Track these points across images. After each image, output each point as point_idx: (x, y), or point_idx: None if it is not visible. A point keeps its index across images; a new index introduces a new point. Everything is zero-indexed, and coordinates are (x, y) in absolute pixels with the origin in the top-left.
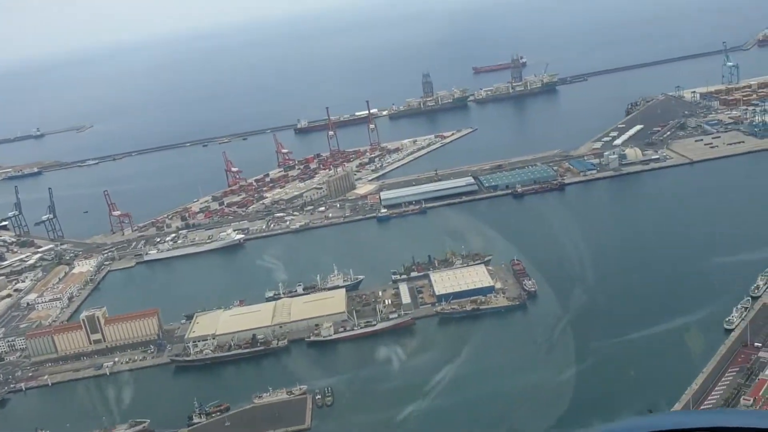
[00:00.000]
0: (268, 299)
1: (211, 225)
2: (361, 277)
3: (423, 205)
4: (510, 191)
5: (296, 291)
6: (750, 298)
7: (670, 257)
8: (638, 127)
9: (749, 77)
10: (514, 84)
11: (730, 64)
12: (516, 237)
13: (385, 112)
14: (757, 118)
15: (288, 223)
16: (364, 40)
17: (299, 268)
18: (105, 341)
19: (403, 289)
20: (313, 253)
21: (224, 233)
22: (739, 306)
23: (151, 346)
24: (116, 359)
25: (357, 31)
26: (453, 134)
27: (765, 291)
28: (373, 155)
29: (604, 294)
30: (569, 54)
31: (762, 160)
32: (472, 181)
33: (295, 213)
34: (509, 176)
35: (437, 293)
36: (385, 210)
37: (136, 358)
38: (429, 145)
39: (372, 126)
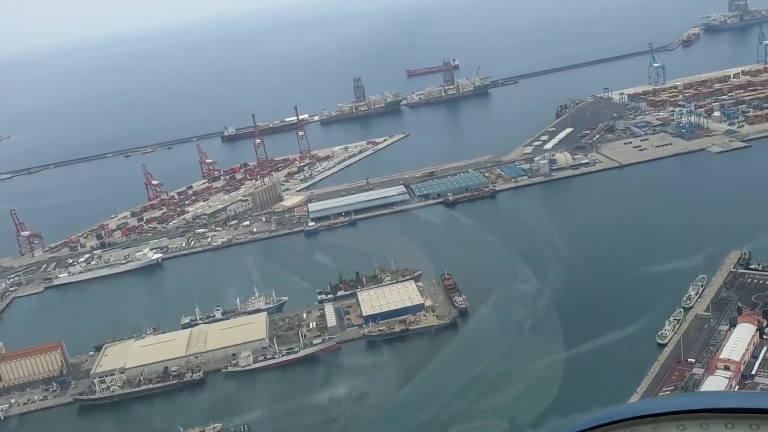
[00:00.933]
0: (184, 326)
1: (128, 243)
2: (285, 298)
3: (353, 217)
4: (442, 200)
5: (214, 316)
6: (682, 309)
7: (602, 267)
8: (568, 130)
9: (675, 77)
10: (446, 88)
11: (656, 65)
12: (447, 248)
13: (316, 118)
14: (683, 119)
15: (210, 239)
16: (298, 42)
17: (219, 289)
18: (1, 381)
19: (329, 310)
20: (235, 272)
21: (140, 253)
22: (671, 318)
23: (54, 384)
24: (12, 401)
25: (291, 33)
26: (385, 140)
27: (697, 301)
28: (302, 164)
29: (536, 308)
30: (501, 56)
31: (689, 161)
32: (404, 190)
33: (217, 228)
34: (441, 184)
35: (364, 314)
36: (313, 223)
37: (35, 398)
38: (361, 152)
39: (301, 133)
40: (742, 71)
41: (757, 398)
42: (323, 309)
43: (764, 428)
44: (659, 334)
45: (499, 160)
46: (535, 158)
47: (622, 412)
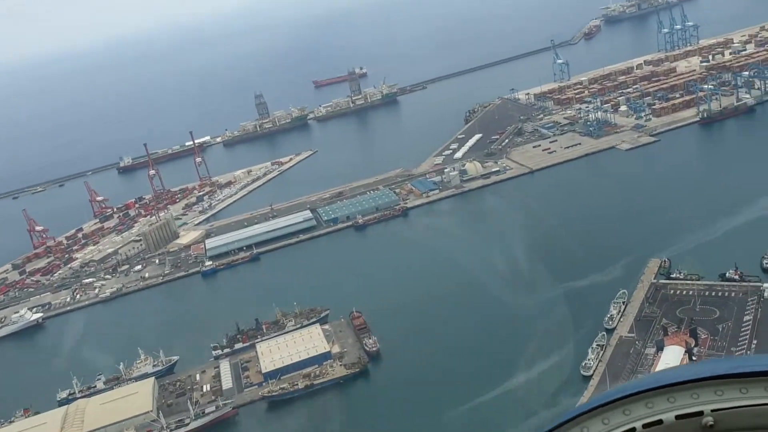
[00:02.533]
0: (61, 402)
1: (7, 302)
2: (175, 357)
3: (254, 251)
4: (351, 223)
5: (96, 387)
6: (605, 332)
7: (518, 287)
8: (477, 136)
9: (580, 73)
10: (354, 98)
11: (559, 61)
12: (357, 280)
13: (219, 139)
14: (590, 116)
15: (97, 290)
16: (200, 59)
17: (103, 352)
18: None
19: (225, 368)
20: (122, 329)
21: (17, 314)
22: (594, 345)
23: None
24: None
25: (195, 50)
26: (291, 159)
27: (619, 321)
28: (201, 193)
29: (451, 346)
30: (409, 61)
31: (599, 161)
32: (310, 215)
33: (107, 276)
34: (350, 206)
35: (264, 370)
36: (210, 262)
37: None
38: (265, 174)
39: (198, 159)
40: (645, 61)
41: (745, 362)
42: (219, 367)
43: (753, 390)
44: (583, 364)
45: (410, 173)
46: (446, 169)
47: (634, 386)
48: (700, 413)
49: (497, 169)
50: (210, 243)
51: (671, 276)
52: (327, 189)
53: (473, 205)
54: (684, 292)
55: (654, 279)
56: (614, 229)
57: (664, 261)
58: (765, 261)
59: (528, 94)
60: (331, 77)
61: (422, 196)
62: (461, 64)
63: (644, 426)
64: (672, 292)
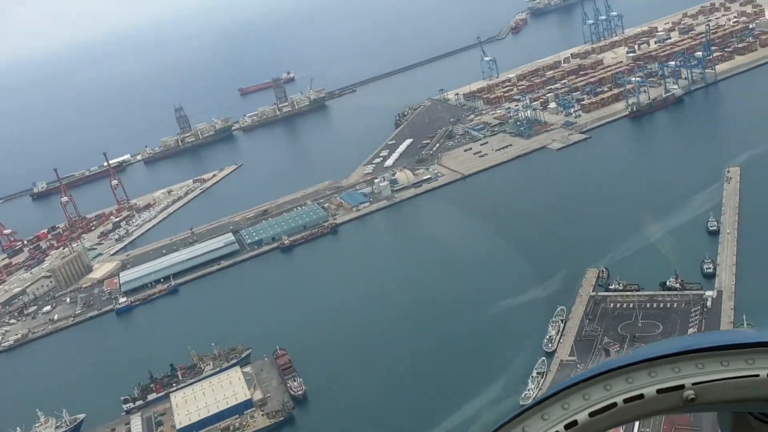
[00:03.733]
0: None
1: None
2: (81, 416)
3: (172, 283)
4: (277, 244)
5: None
6: (545, 357)
7: (455, 311)
8: (408, 141)
9: (509, 69)
10: (280, 105)
11: (487, 58)
12: (283, 309)
13: (139, 157)
14: (520, 114)
15: (0, 338)
16: (124, 71)
17: (2, 415)
18: None
19: (137, 423)
20: (24, 383)
21: None
22: (534, 373)
23: None
24: None
25: (109, 64)
26: (214, 176)
27: (559, 342)
28: (118, 218)
29: (383, 383)
30: (338, 63)
31: (531, 163)
32: (232, 239)
33: (11, 321)
34: (275, 225)
35: (179, 425)
36: (125, 299)
37: None
38: (187, 193)
39: (115, 182)
40: (572, 54)
41: (752, 333)
42: (130, 423)
43: (759, 361)
44: (523, 395)
45: (340, 185)
46: (376, 180)
47: (615, 361)
48: (681, 387)
49: (429, 176)
50: (124, 276)
51: (610, 287)
52: (252, 207)
53: (405, 216)
54: (624, 305)
55: (593, 291)
56: (550, 236)
57: (602, 270)
58: (705, 265)
59: (457, 94)
60: (257, 84)
61: (352, 210)
62: (391, 64)
63: (625, 401)
64: (612, 305)
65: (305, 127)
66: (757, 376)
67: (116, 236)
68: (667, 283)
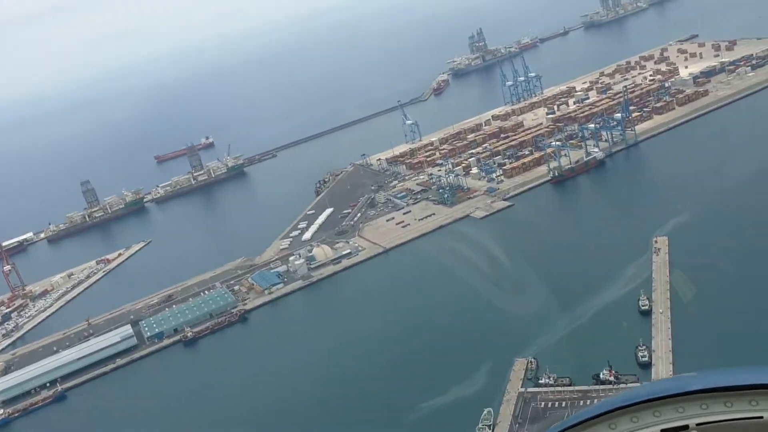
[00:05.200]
0: None
1: None
2: None
3: (59, 388)
4: (179, 337)
5: None
6: None
7: (371, 413)
8: (328, 210)
9: (433, 131)
10: (195, 174)
11: (409, 122)
12: (182, 417)
13: (42, 235)
14: (442, 180)
15: None
16: (30, 140)
17: None
18: None
19: None
20: None
21: None
22: None
23: None
24: None
25: (36, 124)
26: (120, 255)
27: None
28: (9, 309)
29: None
30: (260, 126)
31: (454, 233)
32: (130, 332)
33: None
34: (178, 314)
35: None
36: (2, 411)
37: None
38: (89, 276)
39: (7, 267)
40: (493, 116)
41: (756, 374)
42: None
43: (763, 403)
44: None
45: (253, 263)
46: (291, 257)
47: (621, 399)
48: (686, 427)
49: (349, 251)
50: (3, 383)
51: (540, 382)
52: (156, 292)
53: (323, 298)
54: (557, 404)
55: (521, 387)
56: (474, 320)
57: (531, 361)
58: (640, 353)
59: (380, 159)
60: (175, 150)
61: (264, 293)
62: (314, 126)
63: None
64: (543, 404)
65: (222, 196)
66: (761, 417)
67: (4, 330)
68: (601, 375)
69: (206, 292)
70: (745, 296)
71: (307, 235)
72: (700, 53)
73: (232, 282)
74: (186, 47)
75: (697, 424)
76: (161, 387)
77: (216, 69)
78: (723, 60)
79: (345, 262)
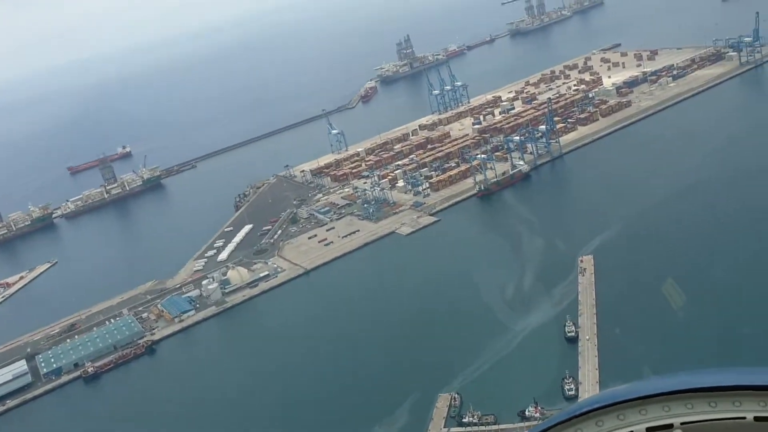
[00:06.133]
0: None
1: None
2: None
3: None
4: (79, 372)
5: None
6: None
7: None
8: (247, 227)
9: (360, 140)
10: (108, 187)
11: (334, 131)
12: None
13: None
14: (368, 194)
15: None
16: None
17: None
18: None
19: None
20: None
21: None
22: None
23: None
24: None
25: None
26: (22, 278)
27: None
28: None
29: None
30: (178, 134)
31: (379, 251)
32: (25, 368)
33: None
34: (79, 346)
35: None
36: None
37: None
38: None
39: None
40: (420, 125)
41: (740, 374)
42: None
43: (746, 404)
44: None
45: (164, 286)
46: (204, 281)
47: (607, 397)
48: (670, 426)
49: (267, 272)
50: None
51: (464, 420)
52: (58, 320)
53: (237, 326)
54: None
55: (444, 427)
56: (397, 350)
57: (454, 397)
58: (566, 386)
59: (303, 171)
60: (88, 161)
61: (174, 321)
62: (238, 135)
63: None
64: None
65: (136, 211)
66: (744, 418)
67: None
68: (527, 412)
69: (112, 320)
70: (672, 317)
71: (223, 255)
72: (623, 63)
73: (140, 308)
74: (122, 47)
75: (682, 423)
76: (57, 431)
77: (143, 73)
78: (645, 70)
79: (262, 285)
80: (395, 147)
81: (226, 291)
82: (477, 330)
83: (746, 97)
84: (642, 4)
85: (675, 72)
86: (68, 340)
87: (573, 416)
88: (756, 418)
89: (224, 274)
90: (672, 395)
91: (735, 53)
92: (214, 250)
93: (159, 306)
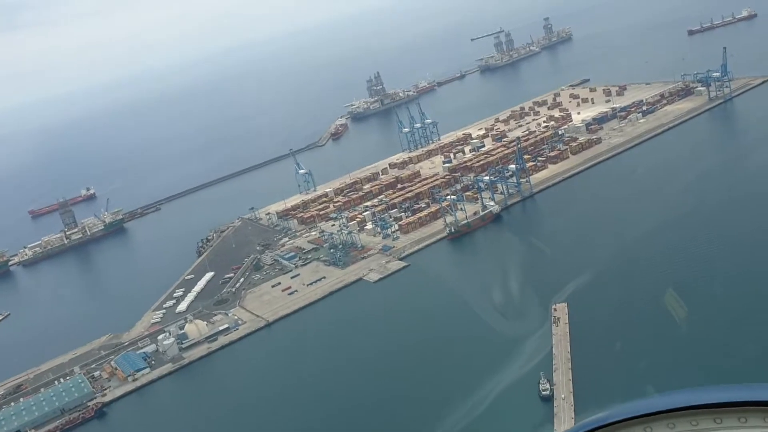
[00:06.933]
0: None
1: None
2: None
3: None
4: None
5: None
6: None
7: None
8: (209, 275)
9: (327, 181)
10: (68, 232)
11: (302, 171)
12: None
13: None
14: (335, 238)
15: None
16: None
17: None
18: None
19: None
20: None
21: None
22: None
23: None
24: None
25: None
26: None
27: None
28: None
29: None
30: (143, 175)
31: (346, 300)
32: None
33: None
34: (23, 411)
35: None
36: None
37: None
38: None
39: None
40: (390, 164)
41: (744, 391)
42: None
43: (752, 420)
44: None
45: (119, 341)
46: (160, 336)
47: (613, 415)
48: None
49: (226, 325)
50: None
51: None
52: (3, 381)
53: (194, 384)
54: None
55: None
56: (364, 410)
57: None
58: None
59: (269, 213)
60: (52, 204)
61: (128, 380)
62: (204, 175)
63: None
64: None
65: (97, 258)
66: None
67: None
68: None
69: (62, 380)
70: (652, 370)
71: (182, 306)
72: (592, 98)
73: (93, 366)
74: (88, 86)
75: None
76: None
77: (110, 111)
78: (614, 106)
79: (222, 339)
80: (365, 187)
81: (184, 346)
82: (446, 389)
83: (717, 132)
84: (609, 40)
85: (644, 108)
86: (12, 404)
87: (598, 426)
88: None
89: (181, 327)
90: (677, 412)
91: (704, 88)
92: (174, 300)
93: (112, 363)
